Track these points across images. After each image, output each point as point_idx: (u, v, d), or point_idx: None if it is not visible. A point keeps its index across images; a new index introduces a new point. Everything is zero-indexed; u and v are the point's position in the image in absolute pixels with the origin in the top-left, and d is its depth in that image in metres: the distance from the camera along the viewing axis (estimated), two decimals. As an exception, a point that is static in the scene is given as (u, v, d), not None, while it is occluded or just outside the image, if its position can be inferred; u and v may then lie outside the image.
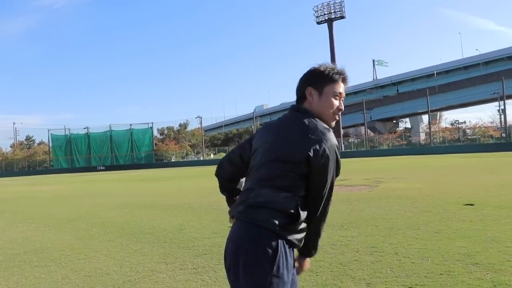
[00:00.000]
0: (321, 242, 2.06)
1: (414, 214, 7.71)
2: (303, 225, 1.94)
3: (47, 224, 9.23)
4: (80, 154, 71.47)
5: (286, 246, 1.87)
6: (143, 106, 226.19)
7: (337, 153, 1.95)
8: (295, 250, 2.01)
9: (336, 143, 1.95)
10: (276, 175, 1.92)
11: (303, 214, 1.92)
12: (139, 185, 22.28)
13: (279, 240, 1.85)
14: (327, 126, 1.98)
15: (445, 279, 4.06)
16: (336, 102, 2.04)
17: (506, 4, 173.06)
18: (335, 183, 2.00)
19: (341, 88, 2.06)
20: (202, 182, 20.13)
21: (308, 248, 2.05)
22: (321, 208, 1.96)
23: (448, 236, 5.78)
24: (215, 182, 2.35)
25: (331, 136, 1.94)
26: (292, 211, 1.88)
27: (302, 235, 1.95)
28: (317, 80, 2.04)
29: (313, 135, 1.91)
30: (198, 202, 11.48)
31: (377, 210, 8.40)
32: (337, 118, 2.06)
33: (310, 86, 2.05)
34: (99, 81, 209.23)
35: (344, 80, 2.08)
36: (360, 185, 13.66)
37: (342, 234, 6.31)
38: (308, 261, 2.11)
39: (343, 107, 2.07)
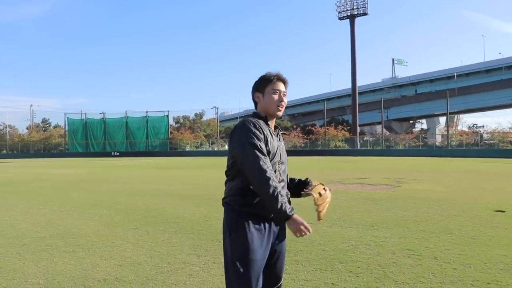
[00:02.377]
0: (279, 206, 2.22)
1: (444, 218, 7.51)
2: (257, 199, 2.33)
3: (68, 208, 9.19)
4: (95, 139, 71.90)
5: (245, 217, 2.33)
6: (160, 93, 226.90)
7: (239, 131, 2.36)
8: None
9: (246, 126, 2.36)
10: (228, 167, 2.45)
11: (249, 190, 2.33)
12: (155, 172, 22.27)
13: (236, 212, 2.35)
14: (249, 119, 2.42)
15: (493, 288, 3.89)
16: (276, 97, 2.52)
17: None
18: (252, 157, 2.27)
19: (279, 86, 2.55)
20: (219, 173, 20.02)
21: (272, 215, 2.35)
22: (250, 179, 2.28)
23: (486, 243, 5.58)
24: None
25: (242, 122, 2.41)
26: (242, 191, 2.36)
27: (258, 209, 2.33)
28: (259, 85, 2.57)
29: (234, 128, 2.44)
30: (219, 194, 11.31)
31: (404, 211, 8.20)
32: (281, 109, 2.53)
33: (256, 91, 2.58)
34: (116, 67, 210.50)
35: (280, 80, 2.57)
36: (382, 185, 13.44)
37: (375, 235, 6.14)
38: (289, 225, 2.29)
39: (284, 100, 2.55)
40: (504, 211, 8.12)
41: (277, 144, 2.49)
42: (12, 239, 6.18)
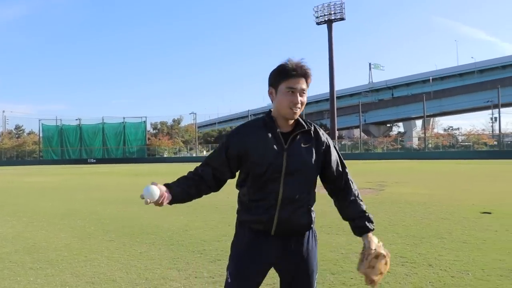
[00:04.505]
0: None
1: (432, 221, 7.31)
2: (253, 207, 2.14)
3: (39, 219, 8.67)
4: (71, 146, 70.39)
5: (241, 227, 2.23)
6: (137, 99, 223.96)
7: (226, 138, 2.19)
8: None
9: (234, 131, 2.20)
10: None
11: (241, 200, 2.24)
12: (133, 179, 21.70)
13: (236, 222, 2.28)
14: (250, 122, 2.20)
15: (494, 298, 3.63)
16: (290, 97, 2.06)
17: (496, 16, 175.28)
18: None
19: (297, 83, 2.07)
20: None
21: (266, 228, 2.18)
22: None
23: (479, 247, 5.37)
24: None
25: (237, 127, 2.22)
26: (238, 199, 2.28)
27: (253, 216, 2.14)
28: (274, 79, 2.12)
29: None
30: (198, 201, 10.87)
31: (391, 216, 7.98)
32: (296, 111, 2.08)
33: (270, 86, 2.15)
34: (94, 73, 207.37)
35: (299, 75, 2.07)
36: (365, 189, 13.23)
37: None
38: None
39: (298, 101, 2.07)
40: (490, 213, 7.99)
41: (281, 150, 2.07)
42: (-26, 255, 5.69)
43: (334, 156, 2.22)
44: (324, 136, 2.22)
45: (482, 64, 76.48)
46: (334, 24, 61.66)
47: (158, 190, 2.07)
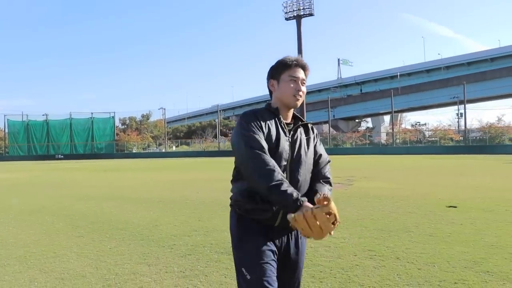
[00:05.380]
0: (272, 194, 1.97)
1: (400, 215, 7.47)
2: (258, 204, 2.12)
3: (6, 215, 8.45)
4: (38, 142, 68.65)
5: (247, 222, 2.19)
6: (105, 95, 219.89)
7: (238, 127, 2.15)
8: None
9: (242, 118, 2.17)
10: (234, 166, 2.28)
11: (251, 193, 2.13)
12: (102, 175, 21.36)
13: (239, 217, 2.23)
14: (248, 110, 2.20)
15: (460, 288, 3.76)
16: (293, 85, 2.22)
17: (461, 13, 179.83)
18: (244, 151, 2.06)
19: (298, 72, 2.24)
20: (168, 175, 19.46)
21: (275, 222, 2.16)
22: (247, 178, 2.11)
23: (445, 240, 5.53)
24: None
25: (242, 114, 2.21)
26: (245, 193, 2.18)
27: (257, 205, 2.12)
28: (275, 71, 2.28)
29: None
30: (168, 196, 10.91)
31: (359, 210, 8.12)
32: (299, 99, 2.23)
33: (271, 78, 2.30)
34: (61, 68, 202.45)
35: (299, 66, 2.26)
36: (333, 183, 13.37)
37: (333, 235, 5.92)
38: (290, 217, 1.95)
39: (302, 89, 2.24)
40: (455, 207, 8.21)
41: (287, 140, 2.20)
42: None
43: (323, 149, 2.43)
44: (315, 130, 2.45)
45: (448, 61, 78.31)
46: (303, 20, 61.88)
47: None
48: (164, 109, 77.17)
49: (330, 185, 2.34)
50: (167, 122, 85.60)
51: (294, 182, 2.15)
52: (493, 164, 23.54)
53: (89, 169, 28.03)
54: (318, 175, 2.31)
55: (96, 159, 57.69)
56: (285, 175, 2.09)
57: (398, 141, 60.18)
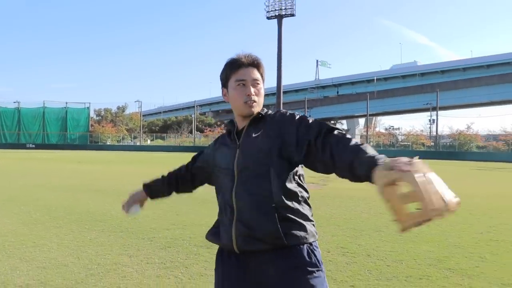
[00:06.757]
0: None
1: (371, 216, 7.77)
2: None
3: (-20, 204, 8.43)
4: (8, 130, 67.01)
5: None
6: (81, 84, 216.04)
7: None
8: None
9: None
10: None
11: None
12: (75, 166, 21.17)
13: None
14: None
15: (425, 283, 4.04)
16: (242, 90, 1.80)
17: (436, 22, 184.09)
18: None
19: (245, 74, 1.81)
20: (144, 169, 19.48)
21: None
22: None
23: (412, 240, 5.82)
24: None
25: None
26: None
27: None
28: (223, 77, 1.90)
29: None
30: (145, 190, 10.96)
31: (333, 209, 8.39)
32: (253, 104, 1.80)
33: (223, 87, 1.91)
34: (35, 55, 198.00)
35: (246, 65, 1.82)
36: (308, 183, 13.58)
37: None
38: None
39: (252, 91, 1.80)
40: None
41: (229, 149, 1.84)
42: None
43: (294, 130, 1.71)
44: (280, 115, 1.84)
45: (424, 68, 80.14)
46: (284, 20, 62.25)
47: None
48: (141, 102, 76.77)
49: (359, 147, 1.55)
50: (143, 115, 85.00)
51: (253, 194, 1.79)
52: (461, 170, 24.29)
53: (63, 160, 27.69)
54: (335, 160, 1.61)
55: (69, 150, 56.81)
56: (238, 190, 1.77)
57: (372, 144, 61.18)
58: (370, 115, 68.85)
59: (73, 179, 13.91)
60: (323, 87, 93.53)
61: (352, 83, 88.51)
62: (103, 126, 72.93)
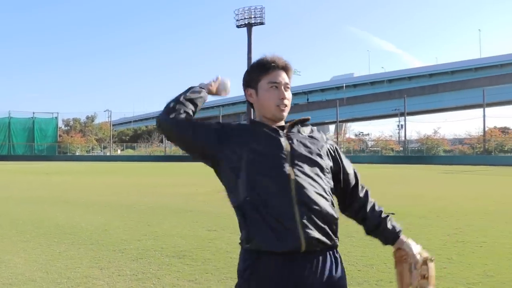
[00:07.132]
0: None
1: (342, 221, 7.62)
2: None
3: None
4: (-30, 140, 65.02)
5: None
6: (48, 94, 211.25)
7: None
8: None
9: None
10: None
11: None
12: (44, 178, 20.66)
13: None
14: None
15: (395, 287, 4.10)
16: (275, 93, 1.77)
17: (402, 30, 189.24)
18: None
19: (279, 76, 1.79)
20: (114, 179, 19.15)
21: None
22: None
23: (383, 245, 5.91)
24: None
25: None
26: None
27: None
28: (251, 78, 1.85)
29: None
30: (115, 200, 10.85)
31: (305, 216, 8.45)
32: (284, 109, 1.79)
33: (248, 87, 1.86)
34: (0, 63, 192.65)
35: (279, 68, 1.81)
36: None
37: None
38: None
39: (286, 96, 1.80)
40: (393, 213, 8.66)
41: (278, 143, 1.72)
42: None
43: None
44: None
45: (391, 75, 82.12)
46: (254, 28, 62.69)
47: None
48: (110, 111, 75.54)
49: None
50: (113, 125, 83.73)
51: (302, 201, 1.72)
52: (429, 174, 24.84)
53: (30, 172, 27.00)
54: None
55: (37, 161, 55.42)
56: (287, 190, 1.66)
57: (342, 150, 61.80)
58: (340, 121, 69.85)
59: (41, 191, 13.59)
60: (294, 94, 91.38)
61: (322, 90, 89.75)
62: (72, 136, 71.55)
